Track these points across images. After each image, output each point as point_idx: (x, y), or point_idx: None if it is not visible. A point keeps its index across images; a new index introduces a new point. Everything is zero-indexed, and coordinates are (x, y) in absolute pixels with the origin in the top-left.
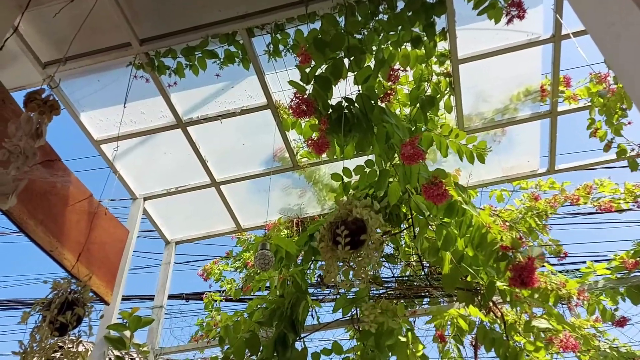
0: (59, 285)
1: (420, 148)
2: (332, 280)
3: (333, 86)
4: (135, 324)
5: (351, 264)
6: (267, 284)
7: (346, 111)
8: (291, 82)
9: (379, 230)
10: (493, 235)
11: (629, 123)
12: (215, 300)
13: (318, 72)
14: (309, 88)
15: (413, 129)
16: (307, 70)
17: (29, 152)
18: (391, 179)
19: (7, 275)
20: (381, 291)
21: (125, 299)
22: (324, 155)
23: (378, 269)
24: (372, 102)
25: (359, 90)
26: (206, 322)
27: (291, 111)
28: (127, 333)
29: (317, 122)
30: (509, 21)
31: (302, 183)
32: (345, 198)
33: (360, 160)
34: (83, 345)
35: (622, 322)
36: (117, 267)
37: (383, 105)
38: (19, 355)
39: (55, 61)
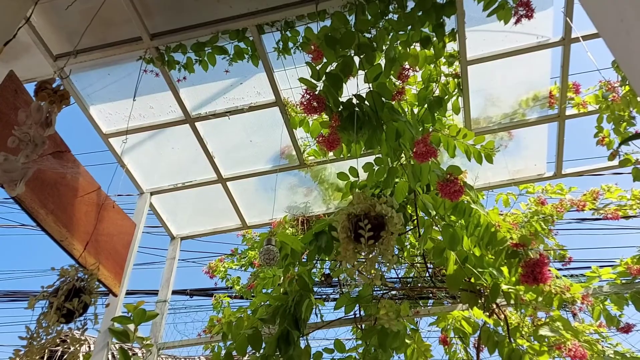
0: (67, 272)
1: (432, 146)
2: (351, 274)
3: (343, 84)
4: (139, 318)
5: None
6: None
7: (357, 109)
8: (301, 79)
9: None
10: (502, 233)
11: (636, 132)
12: (224, 301)
13: (328, 69)
14: (320, 85)
15: (421, 129)
16: (318, 67)
17: (38, 140)
18: (397, 179)
19: (12, 267)
20: (385, 291)
21: (129, 293)
22: (331, 154)
23: (393, 266)
24: (383, 99)
25: (369, 88)
26: (215, 320)
27: (302, 108)
28: (131, 326)
29: (327, 119)
30: (517, 21)
31: (308, 182)
32: (358, 193)
33: (367, 160)
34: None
35: (627, 329)
36: (125, 259)
37: (393, 103)
38: (25, 339)
39: (67, 54)
